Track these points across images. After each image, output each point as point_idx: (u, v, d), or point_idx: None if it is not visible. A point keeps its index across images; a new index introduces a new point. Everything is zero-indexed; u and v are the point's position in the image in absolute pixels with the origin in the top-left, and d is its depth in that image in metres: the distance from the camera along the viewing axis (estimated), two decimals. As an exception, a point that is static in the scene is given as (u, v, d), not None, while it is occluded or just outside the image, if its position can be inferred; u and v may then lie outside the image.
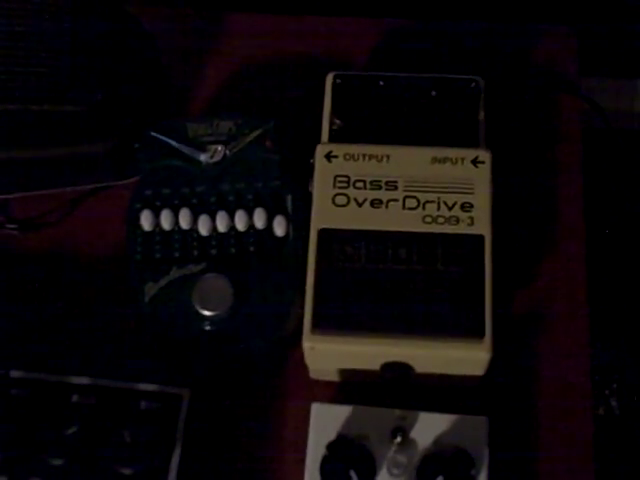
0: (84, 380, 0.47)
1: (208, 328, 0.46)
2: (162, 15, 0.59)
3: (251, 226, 0.48)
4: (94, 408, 0.46)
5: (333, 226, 0.46)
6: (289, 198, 0.49)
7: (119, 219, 0.51)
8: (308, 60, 0.56)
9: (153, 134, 0.50)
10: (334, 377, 0.48)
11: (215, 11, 0.60)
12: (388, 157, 0.47)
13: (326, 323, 0.44)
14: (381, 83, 0.50)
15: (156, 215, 0.49)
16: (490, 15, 0.73)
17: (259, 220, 0.48)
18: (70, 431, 0.45)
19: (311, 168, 0.48)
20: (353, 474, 0.42)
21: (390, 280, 0.44)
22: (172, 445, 0.45)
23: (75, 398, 0.46)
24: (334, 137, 0.49)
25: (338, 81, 0.50)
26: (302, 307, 0.45)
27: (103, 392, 0.46)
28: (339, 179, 0.47)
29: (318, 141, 0.49)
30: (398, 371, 0.45)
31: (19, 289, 0.52)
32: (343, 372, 0.47)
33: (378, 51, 0.57)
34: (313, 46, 0.57)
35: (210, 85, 0.57)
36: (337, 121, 0.50)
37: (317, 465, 0.43)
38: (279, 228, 0.48)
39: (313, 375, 0.48)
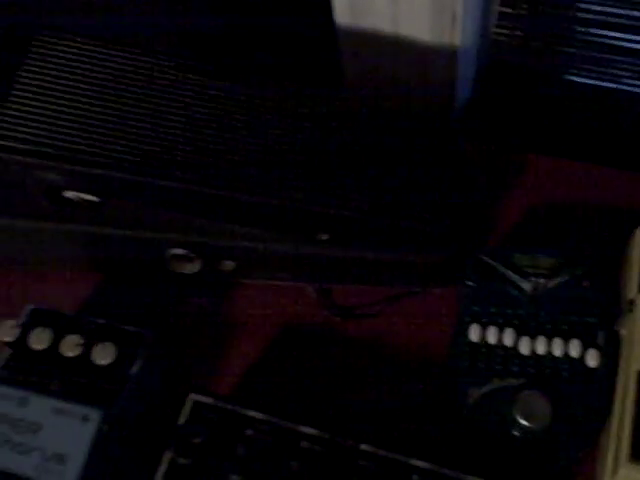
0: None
1: (524, 437, 0.53)
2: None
3: (566, 353, 0.56)
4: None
5: (649, 368, 0.53)
6: (601, 334, 0.56)
7: (429, 319, 0.60)
8: (609, 211, 0.64)
9: (483, 257, 0.59)
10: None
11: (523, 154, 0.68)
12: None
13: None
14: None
15: (483, 329, 0.57)
16: None
17: (573, 349, 0.56)
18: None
19: (621, 309, 0.56)
20: None
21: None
22: None
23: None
24: (644, 287, 0.57)
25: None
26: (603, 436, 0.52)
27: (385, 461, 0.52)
28: (656, 328, 0.54)
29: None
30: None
31: (331, 371, 0.60)
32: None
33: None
34: (614, 198, 0.65)
35: (514, 218, 0.64)
36: (646, 273, 0.57)
37: None
38: (591, 360, 0.55)
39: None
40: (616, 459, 0.52)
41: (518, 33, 0.71)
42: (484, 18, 0.70)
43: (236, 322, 0.62)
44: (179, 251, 0.59)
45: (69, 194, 0.57)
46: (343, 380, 0.60)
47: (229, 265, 0.61)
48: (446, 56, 0.68)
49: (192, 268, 0.61)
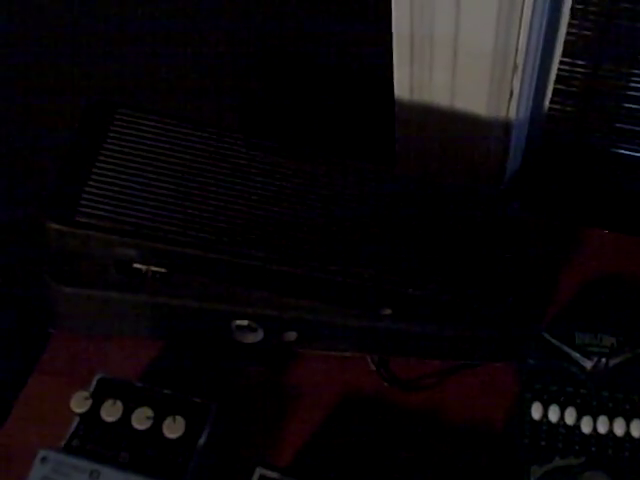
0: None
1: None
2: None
3: (627, 433, 0.56)
4: None
5: None
6: (663, 414, 0.57)
7: (487, 394, 0.60)
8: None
9: (545, 335, 0.60)
10: None
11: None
12: None
13: None
14: None
15: (545, 407, 0.57)
16: None
17: (635, 430, 0.56)
18: None
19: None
20: None
21: None
22: None
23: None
24: None
25: None
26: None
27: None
28: None
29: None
30: None
31: (390, 442, 0.60)
32: None
33: None
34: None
35: (572, 293, 0.65)
36: None
37: None
38: (653, 440, 0.57)
39: None
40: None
41: (570, 109, 0.73)
42: (539, 93, 0.72)
43: (296, 392, 0.63)
44: (242, 322, 0.61)
45: (138, 265, 0.59)
46: (403, 452, 0.60)
47: (291, 335, 0.63)
48: (500, 129, 0.70)
49: (255, 338, 0.62)
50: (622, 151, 0.74)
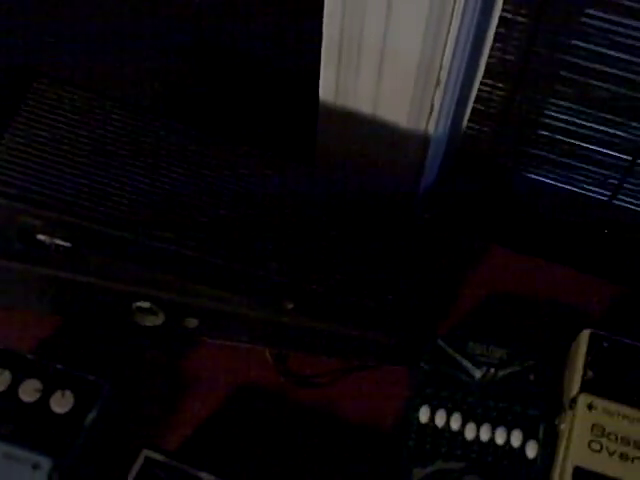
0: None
1: (461, 522, 0.56)
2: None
3: (507, 442, 0.58)
4: None
5: (585, 466, 0.55)
6: (542, 427, 0.58)
7: (380, 395, 0.62)
8: (562, 307, 0.67)
9: (440, 342, 0.61)
10: None
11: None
12: None
13: None
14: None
15: (432, 411, 0.59)
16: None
17: (515, 440, 0.58)
18: None
19: (562, 405, 0.59)
20: None
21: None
22: None
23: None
24: (584, 386, 0.59)
25: (594, 339, 0.60)
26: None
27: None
28: (595, 427, 0.57)
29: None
30: None
31: (281, 435, 0.61)
32: None
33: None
34: (567, 296, 0.67)
35: (470, 305, 0.67)
36: (589, 372, 0.60)
37: None
38: (531, 451, 0.58)
39: None
40: None
41: (486, 129, 0.76)
42: (458, 111, 0.74)
43: (192, 379, 0.63)
44: (144, 304, 0.61)
45: (42, 237, 0.58)
46: (291, 446, 0.61)
47: (192, 322, 0.63)
48: (419, 142, 0.72)
49: (155, 321, 0.62)
50: (531, 175, 0.77)
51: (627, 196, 0.75)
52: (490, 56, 0.70)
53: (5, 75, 0.57)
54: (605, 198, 0.76)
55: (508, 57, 0.70)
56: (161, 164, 0.58)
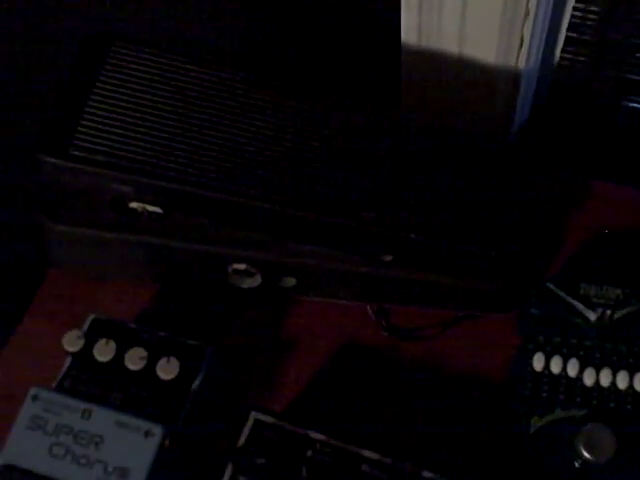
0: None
1: (585, 470, 0.53)
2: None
3: (630, 386, 0.55)
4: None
5: None
6: (668, 368, 0.56)
7: (488, 345, 0.59)
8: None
9: (549, 285, 0.58)
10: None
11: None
12: None
13: None
14: None
15: (547, 359, 0.57)
16: None
17: (638, 383, 0.55)
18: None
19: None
20: None
21: None
22: None
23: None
24: None
25: None
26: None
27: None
28: None
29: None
30: None
31: (388, 392, 0.59)
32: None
33: None
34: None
35: (577, 246, 0.63)
36: None
37: None
38: (656, 394, 0.56)
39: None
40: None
41: (582, 59, 0.71)
42: (550, 42, 0.70)
43: (294, 339, 0.62)
44: (240, 266, 0.60)
45: (134, 205, 0.57)
46: (400, 402, 0.59)
47: (290, 281, 0.61)
48: (510, 78, 0.68)
49: (252, 282, 0.61)
50: (634, 104, 0.73)
51: None
52: (580, -21, 0.66)
53: (83, 42, 0.56)
54: None
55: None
56: (247, 120, 0.56)
